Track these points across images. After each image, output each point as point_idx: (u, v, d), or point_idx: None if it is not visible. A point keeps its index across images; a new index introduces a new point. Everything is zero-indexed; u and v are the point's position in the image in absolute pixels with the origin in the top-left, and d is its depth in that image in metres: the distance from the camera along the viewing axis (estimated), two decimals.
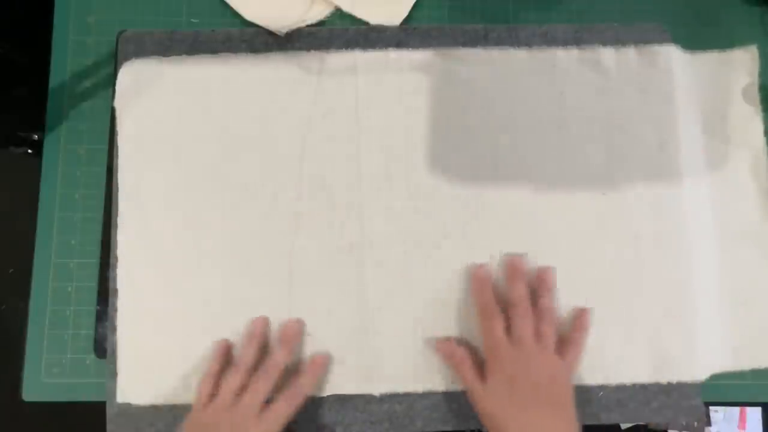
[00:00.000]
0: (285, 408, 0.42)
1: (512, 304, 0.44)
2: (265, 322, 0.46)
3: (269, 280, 0.48)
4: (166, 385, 0.46)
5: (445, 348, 0.46)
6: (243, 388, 0.42)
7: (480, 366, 0.44)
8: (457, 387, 0.47)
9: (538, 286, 0.46)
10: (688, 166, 0.51)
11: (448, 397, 0.47)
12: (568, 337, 0.45)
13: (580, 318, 0.46)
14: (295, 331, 0.45)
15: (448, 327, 0.48)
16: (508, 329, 0.43)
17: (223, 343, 0.45)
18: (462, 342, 0.47)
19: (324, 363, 0.46)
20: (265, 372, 0.43)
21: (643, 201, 0.50)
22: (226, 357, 0.45)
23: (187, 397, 0.46)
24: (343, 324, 0.47)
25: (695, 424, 0.48)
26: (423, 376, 0.47)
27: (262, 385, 0.42)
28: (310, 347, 0.47)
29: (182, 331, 0.47)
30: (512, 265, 0.46)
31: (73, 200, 0.50)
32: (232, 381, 0.42)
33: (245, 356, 0.44)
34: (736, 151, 0.52)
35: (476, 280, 0.46)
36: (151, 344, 0.47)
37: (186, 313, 0.47)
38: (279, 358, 0.44)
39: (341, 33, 0.52)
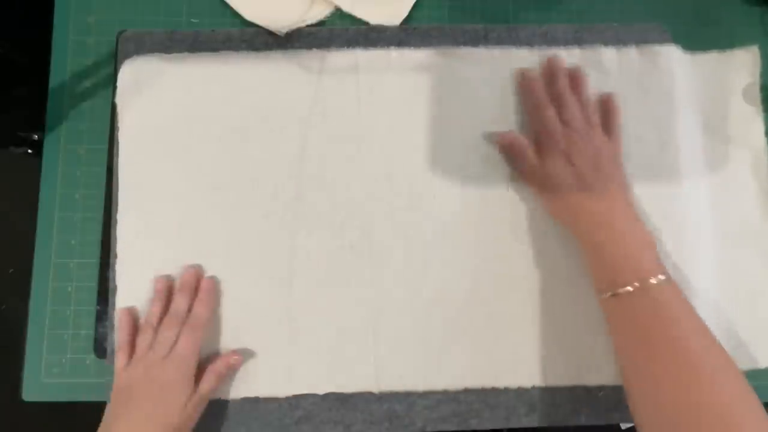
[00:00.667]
0: (186, 342, 0.43)
1: (558, 95, 0.48)
2: (165, 279, 0.46)
3: (269, 279, 0.48)
4: None
5: (506, 136, 0.48)
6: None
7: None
8: (458, 387, 0.47)
9: (574, 82, 0.49)
10: (688, 167, 0.51)
11: (448, 397, 0.47)
12: (607, 120, 0.48)
13: (609, 101, 0.49)
14: (192, 277, 0.46)
15: (450, 326, 0.48)
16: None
17: (125, 312, 0.46)
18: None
19: (210, 288, 0.46)
20: (168, 321, 0.44)
21: (643, 201, 0.50)
22: (132, 325, 0.46)
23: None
24: (343, 323, 0.47)
25: None
26: (424, 375, 0.47)
27: (166, 334, 0.44)
28: (309, 345, 0.47)
29: None
30: (552, 63, 0.50)
31: (73, 200, 0.50)
32: (142, 340, 0.44)
33: (150, 315, 0.45)
34: (736, 152, 0.52)
35: (524, 78, 0.49)
36: None
37: None
38: (180, 306, 0.45)
39: (341, 33, 0.52)
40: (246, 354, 0.47)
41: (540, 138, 0.47)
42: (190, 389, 0.43)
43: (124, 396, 0.43)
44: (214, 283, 0.47)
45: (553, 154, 0.46)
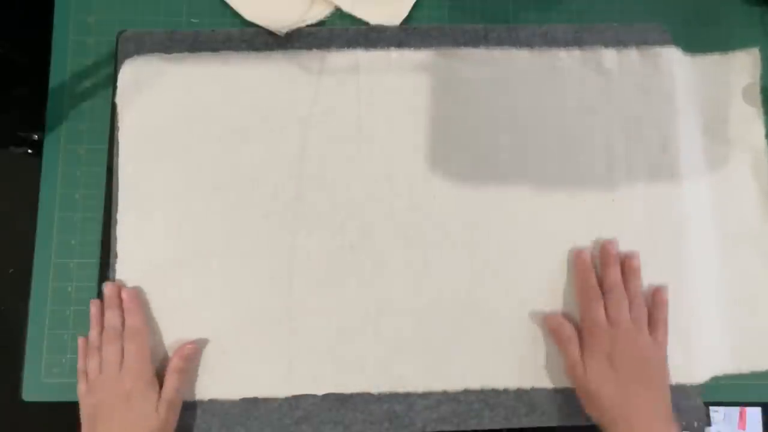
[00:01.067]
0: (131, 352, 0.44)
1: (608, 289, 0.46)
2: (97, 302, 0.47)
3: (269, 279, 0.48)
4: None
5: (553, 322, 0.47)
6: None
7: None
8: (458, 387, 0.47)
9: (626, 272, 0.47)
10: (688, 168, 0.51)
11: (448, 397, 0.47)
12: (653, 316, 0.46)
13: (658, 295, 0.47)
14: (113, 291, 0.46)
15: (450, 326, 0.48)
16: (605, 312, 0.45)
17: (82, 340, 0.47)
18: (568, 318, 0.47)
19: (133, 296, 0.46)
20: (106, 338, 0.45)
21: (644, 202, 0.50)
22: (85, 349, 0.46)
23: (187, 393, 0.46)
24: (343, 323, 0.47)
25: (695, 424, 0.48)
26: (424, 375, 0.47)
27: (110, 349, 0.45)
28: (309, 345, 0.47)
29: (180, 328, 0.47)
30: (606, 251, 0.48)
31: (73, 200, 0.50)
32: (91, 363, 0.45)
33: (91, 339, 0.46)
34: (736, 153, 0.52)
35: (580, 262, 0.47)
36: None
37: (184, 310, 0.47)
38: (111, 321, 0.46)
39: (341, 33, 0.52)
40: (246, 354, 0.47)
41: (585, 332, 0.46)
42: (154, 394, 0.44)
43: (91, 421, 0.43)
44: (136, 291, 0.47)
45: (596, 356, 0.44)
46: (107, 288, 0.47)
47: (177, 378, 0.45)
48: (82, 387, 0.45)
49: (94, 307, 0.47)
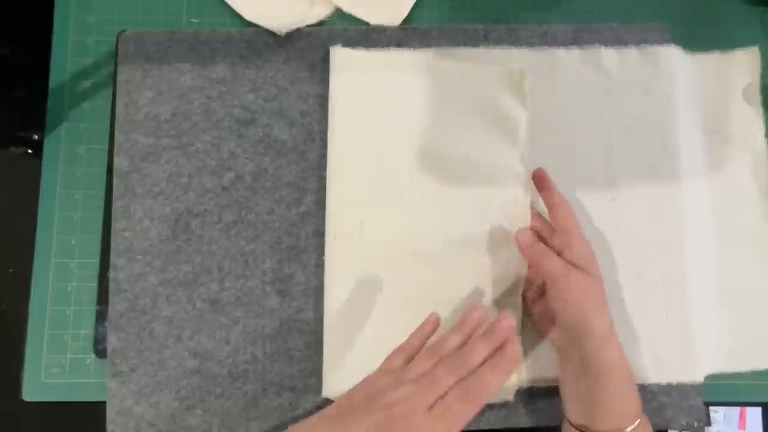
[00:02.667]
0: (460, 408, 0.35)
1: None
2: (481, 313, 0.40)
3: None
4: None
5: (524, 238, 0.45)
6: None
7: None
8: None
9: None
10: (688, 167, 0.51)
11: None
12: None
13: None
14: (509, 327, 0.39)
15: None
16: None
17: (432, 318, 0.41)
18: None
19: (515, 358, 0.38)
20: (452, 363, 0.37)
21: (644, 201, 0.50)
22: (427, 335, 0.41)
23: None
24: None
25: (695, 424, 0.48)
26: None
27: (444, 376, 0.36)
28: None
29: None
30: (539, 176, 0.47)
31: (73, 200, 0.50)
32: (422, 363, 0.38)
33: (447, 342, 0.39)
34: (736, 153, 0.52)
35: (521, 242, 0.45)
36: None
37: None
38: (476, 355, 0.37)
39: (341, 33, 0.52)
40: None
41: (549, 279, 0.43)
42: None
43: (365, 399, 0.36)
44: (519, 355, 0.38)
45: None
46: (504, 321, 0.39)
47: None
48: (395, 361, 0.38)
49: (474, 315, 0.40)
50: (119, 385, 0.47)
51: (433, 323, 0.42)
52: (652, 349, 0.48)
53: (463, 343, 0.39)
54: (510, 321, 0.39)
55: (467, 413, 0.35)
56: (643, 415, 0.42)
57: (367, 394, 0.37)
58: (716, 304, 0.50)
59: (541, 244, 0.45)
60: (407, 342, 0.41)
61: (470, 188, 0.49)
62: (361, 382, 0.39)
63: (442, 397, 0.35)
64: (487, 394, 0.36)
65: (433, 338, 0.41)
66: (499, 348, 0.38)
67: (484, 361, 0.37)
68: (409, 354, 0.40)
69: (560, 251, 0.44)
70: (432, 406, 0.35)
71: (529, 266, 0.47)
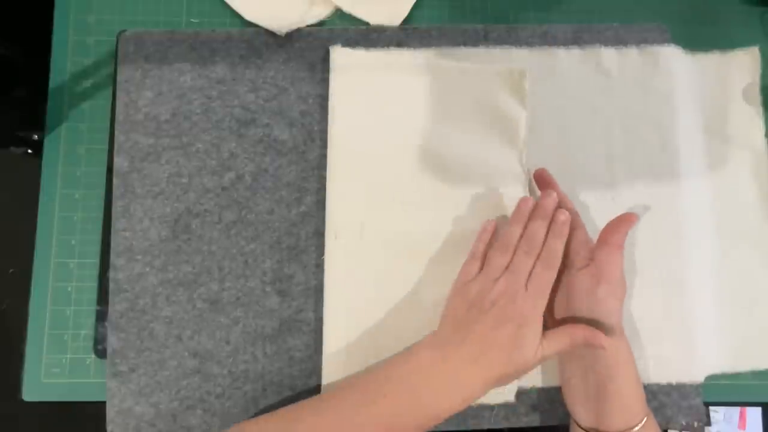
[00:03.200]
0: (545, 274, 0.41)
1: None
2: (531, 201, 0.44)
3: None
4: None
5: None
6: (508, 265, 0.42)
7: None
8: None
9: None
10: (688, 167, 0.51)
11: None
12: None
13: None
14: (554, 201, 0.44)
15: None
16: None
17: (490, 224, 0.45)
18: None
19: (565, 220, 0.43)
20: (527, 246, 0.42)
21: (644, 201, 0.50)
22: (490, 238, 0.44)
23: None
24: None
25: (695, 424, 0.48)
26: None
27: (525, 259, 0.42)
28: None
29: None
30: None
31: (73, 200, 0.50)
32: (500, 258, 0.42)
33: (511, 235, 0.43)
34: (736, 152, 0.52)
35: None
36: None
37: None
38: (539, 231, 0.43)
39: (341, 33, 0.52)
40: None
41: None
42: (541, 329, 0.40)
43: (467, 310, 0.41)
44: (569, 216, 0.44)
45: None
46: (549, 199, 0.44)
47: (568, 345, 0.41)
48: (472, 268, 0.43)
49: (527, 204, 0.44)
50: (119, 385, 0.47)
51: (491, 228, 0.45)
52: (652, 349, 0.48)
53: (523, 230, 0.43)
54: (551, 195, 0.44)
55: (551, 278, 0.42)
56: (649, 412, 0.42)
57: (468, 306, 0.41)
58: (716, 303, 0.50)
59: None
60: (474, 249, 0.44)
61: (470, 188, 0.49)
62: (451, 299, 0.43)
63: (528, 276, 0.41)
64: (559, 257, 0.42)
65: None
66: (552, 219, 0.44)
67: (546, 234, 0.43)
68: (480, 259, 0.44)
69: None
70: (525, 286, 0.41)
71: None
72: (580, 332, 0.41)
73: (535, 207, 0.44)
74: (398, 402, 0.39)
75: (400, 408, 0.39)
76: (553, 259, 0.42)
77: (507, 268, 0.42)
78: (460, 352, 0.40)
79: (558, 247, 0.43)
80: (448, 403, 0.40)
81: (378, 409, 0.38)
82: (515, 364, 0.39)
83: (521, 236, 0.43)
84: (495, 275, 0.42)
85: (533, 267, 0.42)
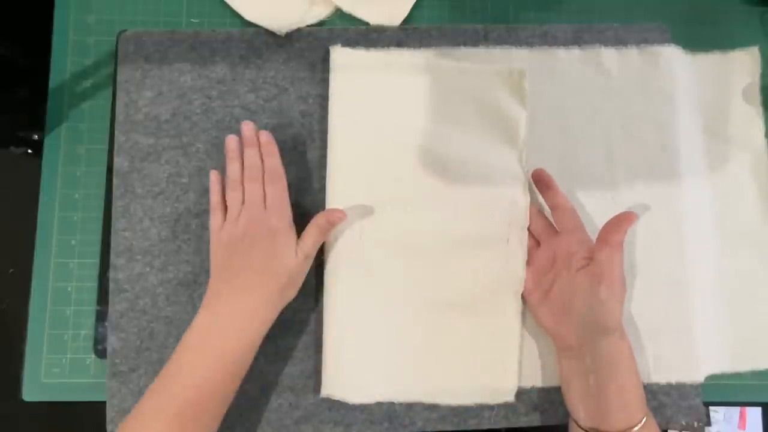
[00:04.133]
0: (275, 192, 0.45)
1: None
2: (235, 138, 0.47)
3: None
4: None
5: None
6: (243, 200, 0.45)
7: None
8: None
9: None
10: (688, 167, 0.51)
11: None
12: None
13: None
14: (251, 131, 0.47)
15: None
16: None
17: (216, 174, 0.47)
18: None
19: (268, 138, 0.47)
20: (249, 175, 0.45)
21: (644, 201, 0.50)
22: (222, 186, 0.47)
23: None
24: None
25: (695, 424, 0.48)
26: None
27: (253, 186, 0.45)
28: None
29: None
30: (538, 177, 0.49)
31: (73, 200, 0.50)
32: (233, 197, 0.45)
33: (233, 173, 0.46)
34: (736, 152, 0.52)
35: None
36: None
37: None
38: (253, 158, 0.46)
39: (341, 33, 0.52)
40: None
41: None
42: (294, 237, 0.45)
43: (227, 253, 0.44)
44: (270, 134, 0.47)
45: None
46: (246, 127, 0.46)
47: (318, 233, 0.45)
48: (217, 219, 0.45)
49: (232, 142, 0.47)
50: (119, 385, 0.47)
51: (216, 177, 0.47)
52: (652, 349, 0.48)
53: (241, 165, 0.46)
54: (248, 124, 0.47)
55: (282, 189, 0.45)
56: (648, 412, 0.42)
57: (225, 250, 0.44)
58: (716, 303, 0.50)
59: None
60: (213, 202, 0.46)
61: (470, 188, 0.49)
62: (212, 253, 0.45)
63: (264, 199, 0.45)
64: (280, 172, 0.46)
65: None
66: (259, 143, 0.47)
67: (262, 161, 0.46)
68: (221, 209, 0.46)
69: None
70: (264, 207, 0.44)
71: (532, 267, 0.47)
72: (320, 218, 0.45)
73: (244, 139, 0.47)
74: (195, 367, 0.41)
75: (197, 370, 0.40)
76: (275, 174, 0.46)
77: (243, 202, 0.45)
78: (229, 291, 0.43)
79: (275, 163, 0.46)
80: (246, 339, 0.42)
81: (182, 380, 0.40)
82: (282, 272, 0.43)
83: (242, 170, 0.46)
84: (236, 213, 0.45)
85: (264, 189, 0.45)
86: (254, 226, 0.44)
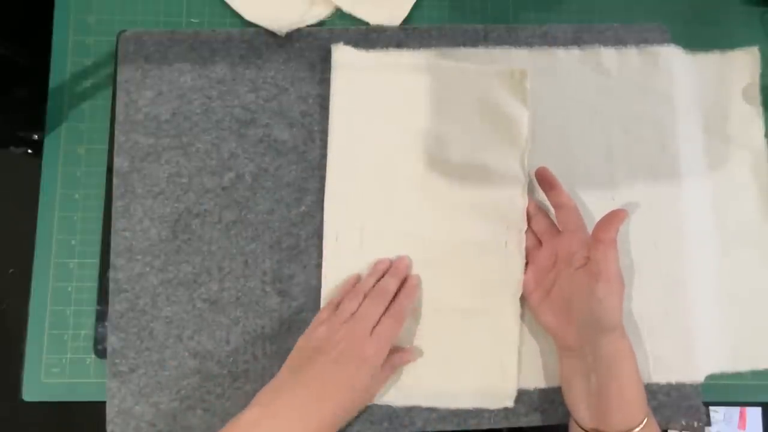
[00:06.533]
0: (391, 325, 0.44)
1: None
2: (387, 262, 0.47)
3: None
4: None
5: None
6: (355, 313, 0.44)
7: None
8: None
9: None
10: (688, 167, 0.51)
11: None
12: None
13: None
14: (405, 265, 0.47)
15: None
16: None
17: (352, 278, 0.47)
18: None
19: (416, 284, 0.47)
20: (375, 296, 0.45)
21: (643, 201, 0.50)
22: (351, 287, 0.46)
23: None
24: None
25: (695, 424, 0.48)
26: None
27: (372, 308, 0.44)
28: None
29: None
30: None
31: (73, 200, 0.50)
32: (348, 304, 0.44)
33: (364, 284, 0.46)
34: (736, 152, 0.52)
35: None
36: None
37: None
38: (389, 286, 0.45)
39: (341, 33, 0.52)
40: None
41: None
42: (380, 383, 0.45)
43: (310, 354, 0.42)
44: (417, 280, 0.47)
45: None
46: (401, 260, 0.47)
47: (390, 371, 0.45)
48: (323, 315, 0.45)
49: (384, 264, 0.47)
50: (119, 385, 0.47)
51: (353, 280, 0.47)
52: (652, 349, 0.48)
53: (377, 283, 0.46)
54: (404, 260, 0.47)
55: (396, 330, 0.44)
56: (649, 412, 0.42)
57: (311, 349, 0.43)
58: (716, 303, 0.50)
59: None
60: (332, 298, 0.46)
61: (471, 188, 0.49)
62: (300, 339, 0.44)
63: (375, 325, 0.43)
64: (406, 313, 0.45)
65: None
66: (404, 280, 0.47)
67: (397, 293, 0.46)
68: (335, 304, 0.46)
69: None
70: (371, 333, 0.43)
71: (533, 266, 0.47)
72: (395, 359, 0.45)
73: (390, 266, 0.47)
74: None
75: None
76: (399, 313, 0.44)
77: (354, 315, 0.44)
78: (293, 396, 0.41)
79: (406, 304, 0.45)
80: None
81: None
82: (351, 402, 0.42)
83: (372, 288, 0.45)
84: (342, 319, 0.43)
85: (381, 317, 0.44)
86: (351, 343, 0.42)
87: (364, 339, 0.42)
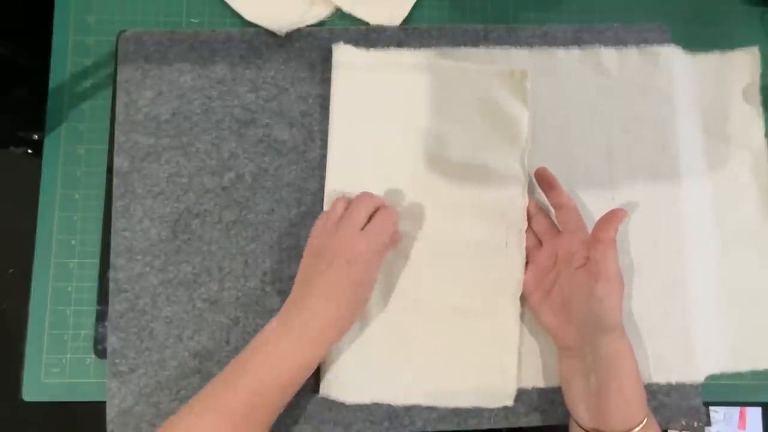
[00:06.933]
0: (380, 220, 0.45)
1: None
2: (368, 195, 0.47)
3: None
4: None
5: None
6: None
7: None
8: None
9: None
10: (688, 167, 0.51)
11: None
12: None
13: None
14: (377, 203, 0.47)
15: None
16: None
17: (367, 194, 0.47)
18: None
19: (393, 213, 0.47)
20: (359, 201, 0.46)
21: (643, 201, 0.50)
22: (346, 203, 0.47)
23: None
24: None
25: (695, 424, 0.48)
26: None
27: (356, 212, 0.45)
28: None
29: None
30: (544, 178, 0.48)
31: (73, 200, 0.50)
32: (334, 212, 0.46)
33: (356, 199, 0.47)
34: (736, 152, 0.52)
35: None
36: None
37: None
38: (372, 195, 0.47)
39: (341, 33, 0.52)
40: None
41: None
42: (372, 267, 0.44)
43: (313, 255, 0.44)
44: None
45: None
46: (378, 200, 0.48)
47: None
48: (318, 224, 0.46)
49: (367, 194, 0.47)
50: (119, 385, 0.47)
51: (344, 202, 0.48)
52: (652, 349, 0.48)
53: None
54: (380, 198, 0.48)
55: (386, 224, 0.45)
56: (649, 412, 0.42)
57: (312, 256, 0.44)
58: (716, 303, 0.50)
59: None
60: (327, 211, 0.47)
61: (471, 188, 0.49)
62: (303, 257, 0.45)
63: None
64: (393, 214, 0.46)
65: None
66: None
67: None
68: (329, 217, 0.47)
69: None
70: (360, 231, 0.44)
71: (533, 266, 0.47)
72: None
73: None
74: (259, 372, 0.41)
75: (261, 375, 0.41)
76: (387, 211, 0.46)
77: (341, 218, 0.45)
78: (302, 308, 0.42)
79: (391, 209, 0.47)
80: (306, 356, 0.42)
81: (244, 382, 0.41)
82: (354, 295, 0.44)
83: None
84: (333, 224, 0.45)
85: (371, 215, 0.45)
86: (347, 238, 0.44)
87: (354, 236, 0.44)
